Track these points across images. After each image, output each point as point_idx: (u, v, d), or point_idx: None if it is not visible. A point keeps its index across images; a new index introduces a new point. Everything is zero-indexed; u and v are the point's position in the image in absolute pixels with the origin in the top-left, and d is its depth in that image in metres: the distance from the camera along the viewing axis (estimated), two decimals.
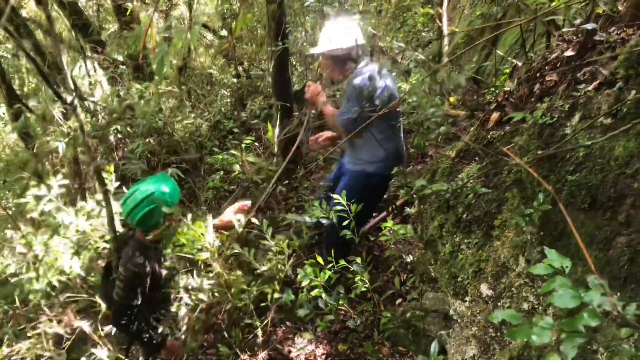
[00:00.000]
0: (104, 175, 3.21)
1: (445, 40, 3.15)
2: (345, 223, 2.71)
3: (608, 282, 1.01)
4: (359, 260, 2.98)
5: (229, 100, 6.74)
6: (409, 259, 3.36)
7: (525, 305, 1.81)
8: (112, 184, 3.40)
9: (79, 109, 1.96)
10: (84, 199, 4.04)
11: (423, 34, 6.80)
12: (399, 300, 3.32)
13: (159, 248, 2.81)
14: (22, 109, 4.85)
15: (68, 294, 3.41)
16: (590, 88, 1.75)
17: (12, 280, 3.24)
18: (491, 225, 2.08)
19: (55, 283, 3.21)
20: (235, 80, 6.52)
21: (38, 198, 3.30)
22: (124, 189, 4.02)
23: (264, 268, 2.91)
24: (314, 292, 2.83)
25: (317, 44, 3.16)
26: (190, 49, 5.02)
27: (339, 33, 3.09)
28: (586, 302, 0.94)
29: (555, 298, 0.95)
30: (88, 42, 6.31)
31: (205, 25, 7.11)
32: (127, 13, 5.48)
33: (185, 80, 5.55)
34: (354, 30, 3.08)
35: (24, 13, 6.59)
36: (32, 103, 5.01)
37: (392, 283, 3.36)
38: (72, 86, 1.80)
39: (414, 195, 2.18)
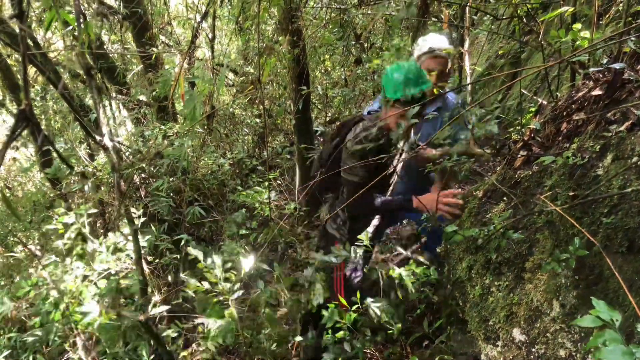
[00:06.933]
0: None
1: (468, 80, 3.17)
2: None
3: None
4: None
5: (251, 138, 6.82)
6: (435, 299, 3.29)
7: (562, 353, 1.74)
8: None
9: (111, 149, 2.00)
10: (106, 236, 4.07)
11: None
12: (425, 342, 3.24)
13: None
14: (50, 151, 4.96)
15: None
16: (622, 128, 1.72)
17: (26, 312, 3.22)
18: (522, 268, 2.03)
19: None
20: (257, 120, 6.61)
21: (66, 225, 3.30)
22: (152, 227, 4.06)
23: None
24: (339, 334, 2.77)
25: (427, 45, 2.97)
26: (214, 91, 5.11)
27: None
28: (638, 358, 0.89)
29: (604, 354, 0.91)
30: (113, 84, 6.50)
31: (228, 66, 7.25)
32: (153, 57, 5.62)
33: (210, 122, 5.64)
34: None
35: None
36: (59, 145, 5.12)
37: (418, 325, 3.28)
38: (104, 127, 1.85)
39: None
